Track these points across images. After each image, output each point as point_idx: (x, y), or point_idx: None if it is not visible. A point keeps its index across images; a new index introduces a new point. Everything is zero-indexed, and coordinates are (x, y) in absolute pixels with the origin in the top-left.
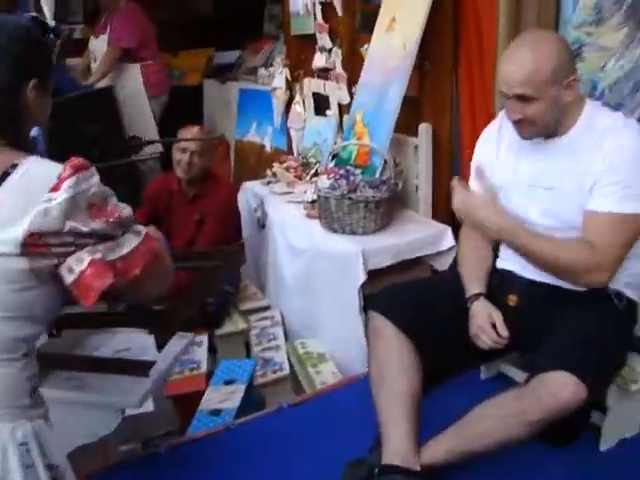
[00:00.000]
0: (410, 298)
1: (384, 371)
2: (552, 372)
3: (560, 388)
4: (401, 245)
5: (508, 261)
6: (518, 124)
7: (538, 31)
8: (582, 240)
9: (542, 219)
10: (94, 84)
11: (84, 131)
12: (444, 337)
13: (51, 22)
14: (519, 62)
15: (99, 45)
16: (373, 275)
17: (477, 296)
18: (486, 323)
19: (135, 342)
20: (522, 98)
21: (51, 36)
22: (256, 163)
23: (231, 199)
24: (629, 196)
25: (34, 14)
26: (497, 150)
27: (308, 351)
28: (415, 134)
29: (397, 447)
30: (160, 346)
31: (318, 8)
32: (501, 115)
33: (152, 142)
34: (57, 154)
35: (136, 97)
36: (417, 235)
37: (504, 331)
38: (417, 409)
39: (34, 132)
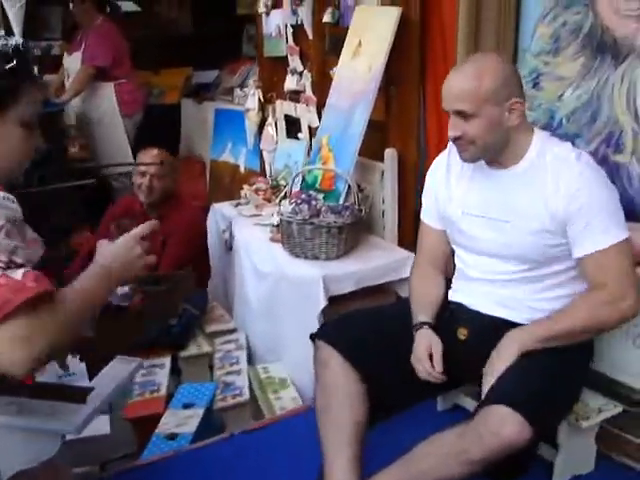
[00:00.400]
0: (358, 328)
1: (329, 401)
2: (494, 407)
3: (501, 426)
4: (364, 271)
5: (460, 293)
6: (458, 143)
7: (487, 53)
8: (589, 294)
9: (491, 250)
10: (67, 102)
11: None
12: (392, 368)
13: (19, 39)
14: (460, 78)
15: (73, 62)
16: (335, 301)
17: (422, 325)
18: (424, 354)
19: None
20: (461, 114)
21: (13, 63)
22: (230, 183)
23: (195, 220)
24: (607, 227)
25: None
26: (446, 179)
27: (270, 376)
28: (381, 159)
29: (339, 479)
30: (94, 373)
31: (289, 31)
32: (450, 145)
33: (101, 167)
34: None
35: (110, 116)
36: (381, 261)
37: (439, 365)
38: (361, 440)
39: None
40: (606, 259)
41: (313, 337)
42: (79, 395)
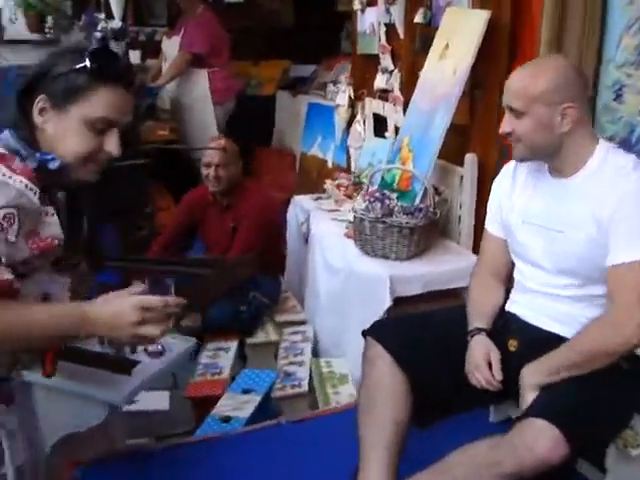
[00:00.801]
0: (410, 329)
1: (372, 399)
2: (530, 419)
3: (536, 439)
4: (433, 274)
5: (515, 304)
6: (509, 140)
7: (556, 55)
8: (599, 320)
9: (545, 261)
10: (162, 86)
11: None
12: (442, 372)
13: (118, 23)
14: (518, 76)
15: (170, 46)
16: (401, 302)
17: (478, 331)
18: (482, 361)
19: None
20: (513, 111)
21: (89, 63)
22: (317, 177)
23: (266, 208)
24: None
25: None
26: (512, 187)
27: (332, 370)
28: (461, 163)
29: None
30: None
31: (382, 29)
32: None
33: (165, 147)
34: None
35: (201, 102)
36: (452, 266)
37: (498, 374)
38: (399, 441)
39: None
40: (624, 274)
41: (365, 334)
42: (125, 367)
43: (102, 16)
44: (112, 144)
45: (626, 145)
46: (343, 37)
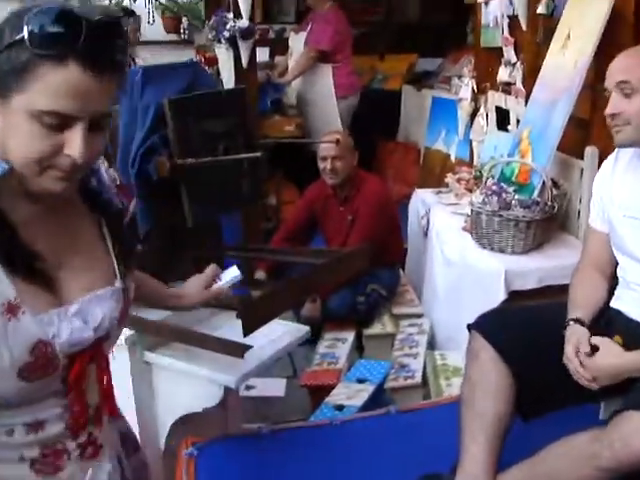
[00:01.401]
0: (515, 322)
1: (474, 392)
2: (629, 412)
3: (633, 434)
4: (550, 269)
5: (619, 300)
6: (614, 123)
7: None
8: None
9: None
10: (288, 82)
11: (209, 128)
12: (546, 366)
13: (245, 22)
14: (627, 53)
15: (297, 41)
16: (516, 295)
17: (574, 321)
18: (572, 352)
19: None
20: (623, 90)
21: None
22: (441, 171)
23: (381, 198)
24: None
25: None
26: (611, 179)
27: (446, 363)
28: (581, 156)
29: (472, 471)
30: (246, 333)
31: (505, 21)
32: (618, 148)
33: (277, 142)
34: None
35: (325, 97)
36: (569, 261)
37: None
38: (501, 436)
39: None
40: None
41: (469, 327)
42: (239, 350)
43: (230, 15)
44: (73, 145)
45: None
46: (469, 30)
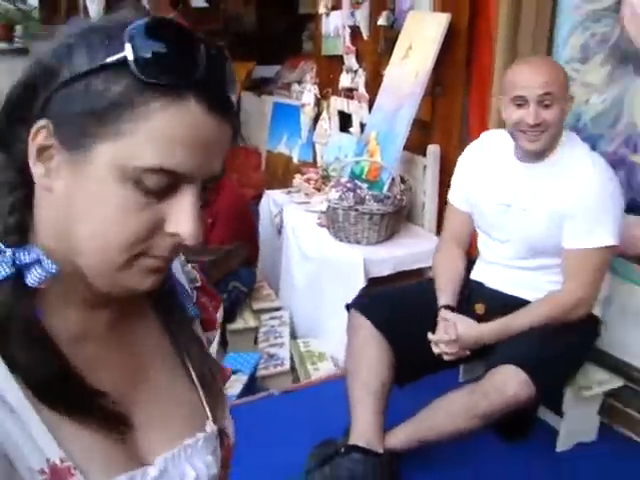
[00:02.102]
0: (389, 300)
1: (358, 364)
2: (501, 366)
3: (506, 381)
4: (402, 256)
5: (480, 273)
6: (533, 132)
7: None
8: (551, 297)
9: (510, 237)
10: None
11: None
12: (417, 337)
13: None
14: (540, 66)
15: None
16: (374, 282)
17: (445, 308)
18: (442, 337)
19: None
20: (544, 101)
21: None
22: (284, 173)
23: (238, 204)
24: (597, 232)
25: None
26: (478, 167)
27: (310, 349)
28: (424, 154)
29: (363, 431)
30: None
31: (347, 31)
32: (483, 136)
33: None
34: None
35: None
36: (418, 248)
37: (451, 348)
38: (385, 399)
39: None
40: (582, 259)
41: (348, 307)
42: None
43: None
44: (182, 219)
45: (574, 131)
46: (305, 39)
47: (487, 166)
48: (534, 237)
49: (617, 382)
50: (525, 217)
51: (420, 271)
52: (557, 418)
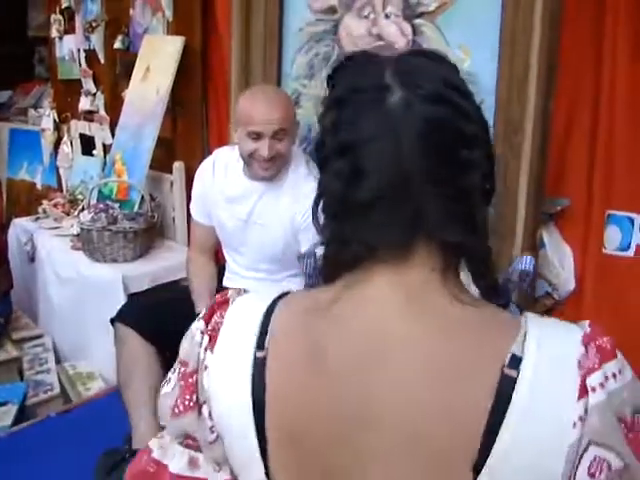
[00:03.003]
0: (152, 308)
1: (130, 374)
2: None
3: None
4: (158, 270)
5: (230, 282)
6: (268, 164)
7: (268, 85)
8: None
9: (249, 250)
10: None
11: None
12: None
13: None
14: (274, 104)
15: None
16: (134, 297)
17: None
18: None
19: None
20: (278, 135)
21: None
22: (27, 201)
23: None
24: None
25: None
26: (213, 183)
27: (78, 371)
28: (170, 171)
29: (144, 434)
30: None
31: (82, 55)
32: (215, 153)
33: None
34: None
35: None
36: (173, 261)
37: None
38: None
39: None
40: None
41: (112, 320)
42: None
43: None
44: None
45: (307, 141)
46: (36, 62)
47: (221, 183)
48: (272, 250)
49: None
50: (263, 232)
51: (177, 282)
52: None
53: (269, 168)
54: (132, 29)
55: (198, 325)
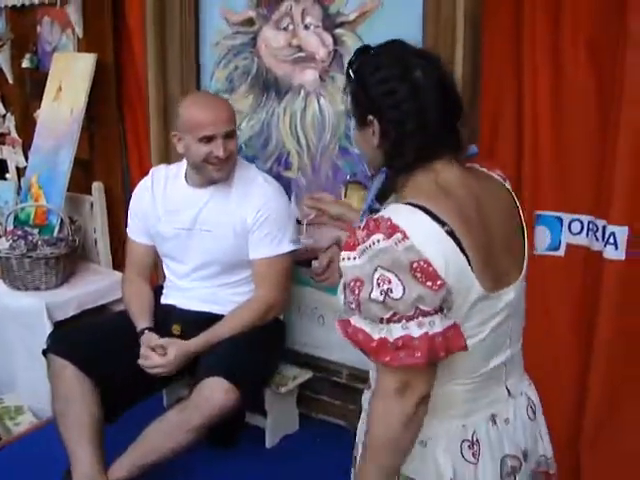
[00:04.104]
0: (85, 337)
1: (67, 406)
2: (206, 379)
3: (213, 392)
4: (84, 295)
5: (171, 297)
6: (224, 163)
7: (202, 91)
8: (248, 303)
9: (194, 257)
10: None
11: None
12: (121, 369)
13: None
14: (220, 106)
15: None
16: (61, 325)
17: (143, 330)
18: (149, 352)
19: None
20: (229, 135)
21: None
22: None
23: None
24: (280, 239)
25: None
26: (153, 200)
27: (5, 405)
28: (89, 192)
29: (85, 471)
30: None
31: None
32: (152, 171)
33: None
34: None
35: None
36: (99, 285)
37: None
38: (100, 435)
39: None
40: (269, 267)
41: (45, 352)
42: None
43: None
44: None
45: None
46: None
47: (160, 197)
48: (223, 255)
49: (307, 374)
50: (210, 237)
51: (104, 307)
52: (262, 418)
53: (223, 169)
54: (40, 47)
55: (379, 236)
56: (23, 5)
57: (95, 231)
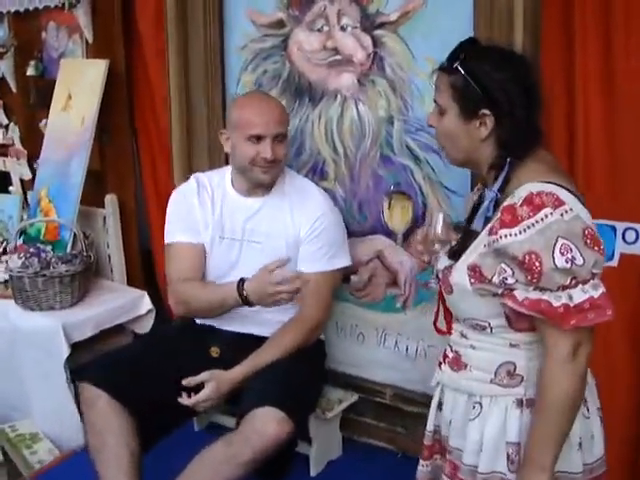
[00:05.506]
0: (119, 365)
1: (103, 439)
2: (256, 409)
3: (266, 424)
4: (101, 315)
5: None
6: (270, 166)
7: (262, 91)
8: (292, 321)
9: (247, 269)
10: None
11: None
12: (155, 396)
13: None
14: (273, 107)
15: None
16: (77, 347)
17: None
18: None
19: None
20: (278, 138)
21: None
22: None
23: None
24: (333, 254)
25: None
26: (200, 206)
27: (19, 433)
28: (102, 205)
29: None
30: None
31: None
32: (195, 177)
33: None
34: None
35: None
36: (115, 303)
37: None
38: (139, 470)
39: None
40: (320, 283)
41: (74, 380)
42: None
43: None
44: None
45: None
46: None
47: (209, 204)
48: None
49: (353, 397)
50: (259, 251)
51: (122, 326)
52: (304, 444)
53: (269, 172)
54: (46, 53)
55: (548, 210)
56: (27, 10)
57: (108, 246)
